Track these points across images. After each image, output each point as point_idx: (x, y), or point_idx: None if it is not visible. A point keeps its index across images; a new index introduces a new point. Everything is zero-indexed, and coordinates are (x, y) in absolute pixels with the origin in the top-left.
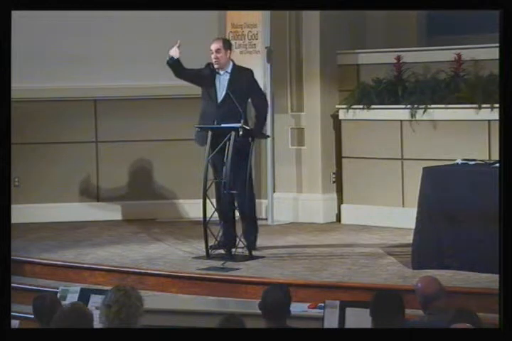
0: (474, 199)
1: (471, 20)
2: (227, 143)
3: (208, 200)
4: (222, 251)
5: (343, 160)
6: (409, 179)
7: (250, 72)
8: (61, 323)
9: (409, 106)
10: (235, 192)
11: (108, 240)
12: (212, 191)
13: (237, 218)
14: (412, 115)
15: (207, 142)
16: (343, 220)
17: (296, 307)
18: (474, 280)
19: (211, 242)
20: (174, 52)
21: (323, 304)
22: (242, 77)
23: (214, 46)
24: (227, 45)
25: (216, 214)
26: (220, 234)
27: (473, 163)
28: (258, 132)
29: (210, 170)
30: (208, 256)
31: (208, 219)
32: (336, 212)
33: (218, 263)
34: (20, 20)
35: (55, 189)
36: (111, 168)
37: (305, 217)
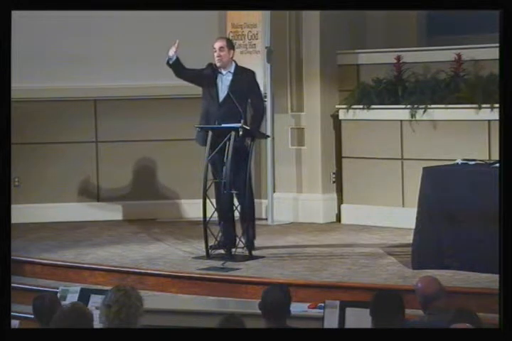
0: (474, 199)
1: (471, 20)
2: (227, 143)
3: (208, 200)
4: (222, 251)
5: (343, 160)
6: (409, 179)
7: (252, 73)
8: (61, 323)
9: (409, 106)
10: (235, 192)
11: (108, 240)
12: (212, 191)
13: (236, 218)
14: (412, 115)
15: (207, 141)
16: (343, 220)
17: (296, 307)
18: (474, 280)
19: (211, 242)
20: (171, 52)
21: (323, 304)
22: (244, 77)
23: (218, 44)
24: (231, 44)
25: (216, 214)
26: (220, 234)
27: (473, 163)
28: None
29: (210, 170)
30: (208, 256)
31: (207, 219)
32: (336, 212)
33: (218, 263)
34: (20, 20)
35: (55, 189)
36: (111, 168)
37: (305, 217)
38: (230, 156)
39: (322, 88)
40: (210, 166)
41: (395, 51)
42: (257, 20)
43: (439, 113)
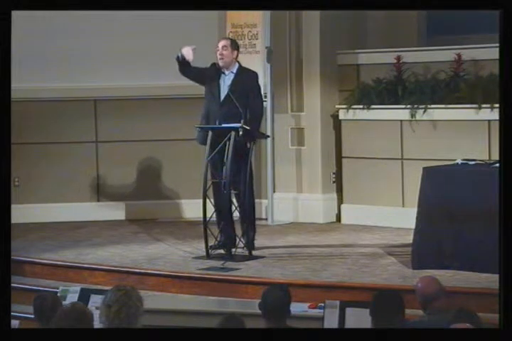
0: (474, 199)
1: (471, 20)
2: (227, 143)
3: (208, 200)
4: (222, 251)
5: (343, 160)
6: (409, 179)
7: (255, 74)
8: (61, 323)
9: (409, 106)
10: (235, 192)
11: (108, 240)
12: (212, 191)
13: (236, 218)
14: (412, 115)
15: (207, 141)
16: (343, 220)
17: (296, 307)
18: (474, 280)
19: (211, 242)
20: (188, 54)
21: (323, 304)
22: (245, 78)
23: (221, 43)
24: (235, 45)
25: (215, 214)
26: (220, 234)
27: (473, 163)
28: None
29: (210, 170)
30: (208, 256)
31: (208, 219)
32: (336, 212)
33: (218, 263)
34: (21, 20)
35: (55, 189)
36: (111, 168)
37: (305, 217)
38: (230, 156)
39: (322, 88)
40: (210, 166)
41: (395, 51)
42: (257, 20)
43: (439, 113)
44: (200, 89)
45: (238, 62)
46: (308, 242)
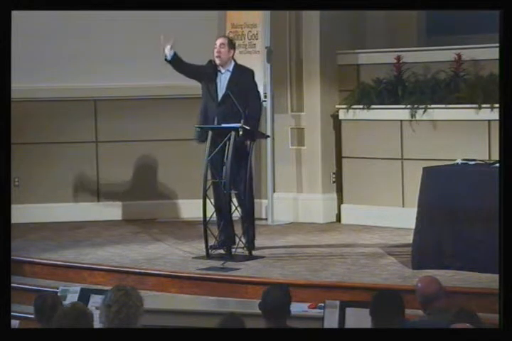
0: (474, 199)
1: (471, 20)
2: (227, 143)
3: (208, 200)
4: (222, 251)
5: (343, 160)
6: (409, 179)
7: (251, 72)
8: (61, 323)
9: (409, 106)
10: (235, 192)
11: (108, 240)
12: (212, 191)
13: (235, 218)
14: (412, 115)
15: (207, 139)
16: (343, 220)
17: (296, 307)
18: (474, 280)
19: (211, 242)
20: (167, 50)
21: (323, 304)
22: (242, 76)
23: (219, 41)
24: (232, 44)
25: (215, 214)
26: (220, 234)
27: (473, 163)
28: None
29: (210, 170)
30: (208, 256)
31: (208, 219)
32: (336, 212)
33: (218, 263)
34: (21, 20)
35: (55, 189)
36: (111, 168)
37: (305, 217)
38: (230, 156)
39: (322, 88)
40: (210, 166)
41: (395, 51)
42: (257, 20)
43: (439, 113)
44: (200, 89)
45: (234, 60)
46: (308, 242)
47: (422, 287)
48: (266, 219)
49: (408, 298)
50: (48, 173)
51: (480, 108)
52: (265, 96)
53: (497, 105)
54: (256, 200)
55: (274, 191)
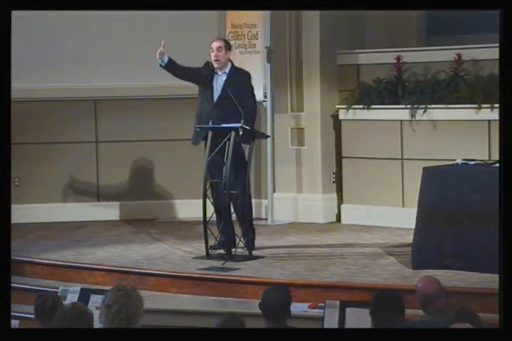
0: (474, 199)
1: (471, 20)
2: (227, 143)
3: (208, 200)
4: (222, 251)
5: (343, 160)
6: (409, 179)
7: (248, 74)
8: (61, 323)
9: (409, 106)
10: (235, 192)
11: (108, 240)
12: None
13: (234, 218)
14: (412, 115)
15: (201, 140)
16: (343, 220)
17: (296, 307)
18: (474, 280)
19: (211, 242)
20: (160, 54)
21: (323, 304)
22: (238, 78)
23: (215, 44)
24: (228, 46)
25: (214, 214)
26: (219, 234)
27: (473, 163)
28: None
29: (209, 170)
30: (208, 256)
31: (208, 219)
32: (336, 212)
33: (218, 263)
34: (21, 20)
35: (55, 189)
36: (111, 168)
37: (305, 217)
38: (230, 156)
39: (322, 88)
40: (209, 166)
41: (395, 51)
42: (257, 20)
43: (439, 113)
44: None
45: (231, 61)
46: (308, 242)
47: (422, 287)
48: (266, 219)
49: (408, 298)
50: (48, 173)
51: (480, 108)
52: (265, 96)
53: (497, 105)
54: (256, 200)
55: (274, 191)
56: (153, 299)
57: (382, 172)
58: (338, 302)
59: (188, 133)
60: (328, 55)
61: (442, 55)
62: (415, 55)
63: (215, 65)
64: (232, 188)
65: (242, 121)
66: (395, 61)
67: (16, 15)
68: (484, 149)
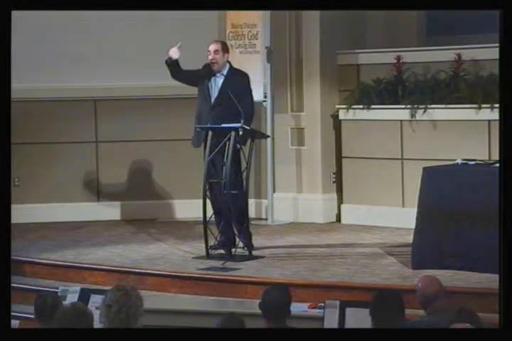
0: (474, 199)
1: (471, 20)
2: (227, 143)
3: (208, 200)
4: (222, 251)
5: (343, 160)
6: (409, 179)
7: (246, 76)
8: (61, 323)
9: (409, 106)
10: (234, 192)
11: (108, 240)
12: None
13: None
14: (412, 115)
15: (202, 143)
16: (343, 220)
17: (296, 307)
18: (474, 280)
19: (211, 242)
20: (174, 53)
21: (323, 304)
22: (236, 79)
23: (212, 47)
24: (225, 48)
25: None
26: (219, 234)
27: (473, 163)
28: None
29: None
30: (208, 256)
31: (207, 219)
32: (336, 212)
33: (218, 263)
34: (21, 20)
35: (55, 189)
36: (111, 168)
37: (305, 217)
38: (229, 156)
39: (322, 88)
40: (209, 166)
41: (395, 51)
42: (257, 20)
43: (439, 113)
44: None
45: (229, 62)
46: (308, 242)
47: (422, 287)
48: (266, 219)
49: (408, 298)
50: (48, 173)
51: (480, 108)
52: (265, 96)
53: (497, 105)
54: (256, 200)
55: (274, 191)
56: (153, 299)
57: (382, 172)
58: (338, 302)
59: (188, 133)
60: (328, 55)
61: (442, 55)
62: (415, 55)
63: (213, 68)
64: (232, 188)
65: (242, 121)
66: (395, 61)
67: (16, 15)
68: (484, 149)
